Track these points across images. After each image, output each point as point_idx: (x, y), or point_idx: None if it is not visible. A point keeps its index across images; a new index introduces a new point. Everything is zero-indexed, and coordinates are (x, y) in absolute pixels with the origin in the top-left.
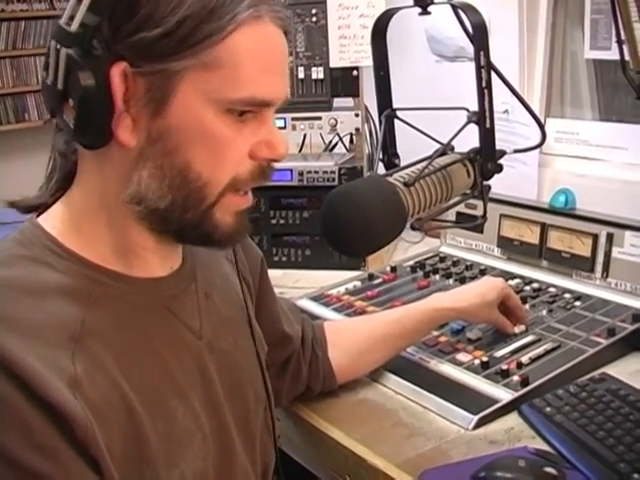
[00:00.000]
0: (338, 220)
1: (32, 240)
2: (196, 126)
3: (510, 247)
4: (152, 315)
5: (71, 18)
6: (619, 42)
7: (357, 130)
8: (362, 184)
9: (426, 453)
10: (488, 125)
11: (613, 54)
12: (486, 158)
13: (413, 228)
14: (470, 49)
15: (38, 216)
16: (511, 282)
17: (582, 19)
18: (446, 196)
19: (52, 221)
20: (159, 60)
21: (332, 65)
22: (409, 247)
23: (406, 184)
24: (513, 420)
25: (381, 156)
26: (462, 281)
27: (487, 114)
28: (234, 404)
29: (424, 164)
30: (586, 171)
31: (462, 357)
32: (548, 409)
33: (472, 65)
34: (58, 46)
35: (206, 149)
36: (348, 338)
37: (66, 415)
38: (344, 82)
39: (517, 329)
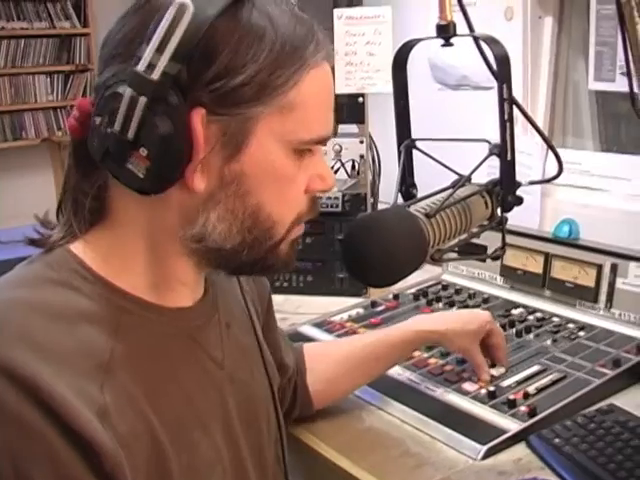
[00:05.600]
0: (361, 251)
1: (60, 263)
2: (269, 168)
3: (513, 276)
4: (178, 345)
5: (149, 66)
6: (628, 74)
7: (361, 157)
8: (385, 215)
9: None
10: (509, 158)
11: (617, 86)
12: (507, 190)
13: (433, 259)
14: (473, 78)
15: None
16: (514, 311)
17: (585, 50)
18: (465, 227)
19: (81, 247)
20: (237, 106)
21: (338, 91)
22: None
23: (427, 215)
24: (521, 451)
25: (399, 186)
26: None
27: (509, 147)
28: (249, 436)
29: (444, 195)
30: (588, 201)
31: (468, 386)
32: (557, 440)
33: (475, 94)
34: (134, 94)
35: (277, 190)
36: (325, 363)
37: (95, 447)
38: (349, 108)
39: (496, 372)
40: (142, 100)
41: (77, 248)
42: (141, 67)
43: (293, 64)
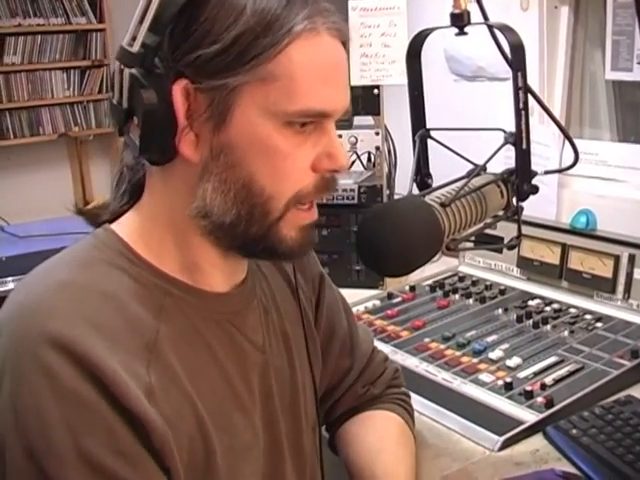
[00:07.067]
0: (376, 240)
1: (107, 244)
2: (256, 140)
3: (530, 267)
4: (217, 329)
5: (133, 39)
6: None
7: (377, 148)
8: (400, 204)
9: (452, 475)
10: (525, 146)
11: (635, 75)
12: (522, 179)
13: (448, 249)
14: (489, 69)
15: (110, 223)
16: (531, 302)
17: (602, 40)
18: (480, 217)
19: (123, 229)
20: (217, 76)
21: (353, 83)
22: (426, 266)
23: (442, 205)
24: (538, 442)
25: (414, 176)
26: (482, 301)
27: (524, 135)
28: (288, 422)
29: (460, 185)
30: (605, 192)
31: (485, 378)
32: (574, 431)
33: (491, 85)
34: (122, 66)
35: (267, 163)
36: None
37: (145, 423)
38: (365, 100)
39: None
40: (126, 72)
41: (120, 230)
42: (126, 41)
43: (275, 32)
